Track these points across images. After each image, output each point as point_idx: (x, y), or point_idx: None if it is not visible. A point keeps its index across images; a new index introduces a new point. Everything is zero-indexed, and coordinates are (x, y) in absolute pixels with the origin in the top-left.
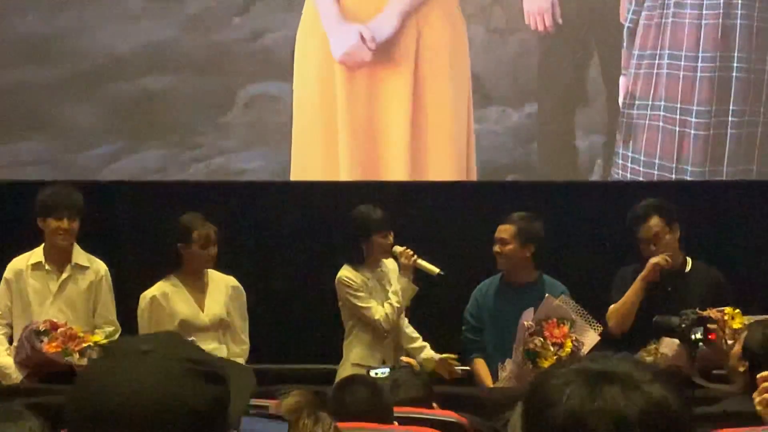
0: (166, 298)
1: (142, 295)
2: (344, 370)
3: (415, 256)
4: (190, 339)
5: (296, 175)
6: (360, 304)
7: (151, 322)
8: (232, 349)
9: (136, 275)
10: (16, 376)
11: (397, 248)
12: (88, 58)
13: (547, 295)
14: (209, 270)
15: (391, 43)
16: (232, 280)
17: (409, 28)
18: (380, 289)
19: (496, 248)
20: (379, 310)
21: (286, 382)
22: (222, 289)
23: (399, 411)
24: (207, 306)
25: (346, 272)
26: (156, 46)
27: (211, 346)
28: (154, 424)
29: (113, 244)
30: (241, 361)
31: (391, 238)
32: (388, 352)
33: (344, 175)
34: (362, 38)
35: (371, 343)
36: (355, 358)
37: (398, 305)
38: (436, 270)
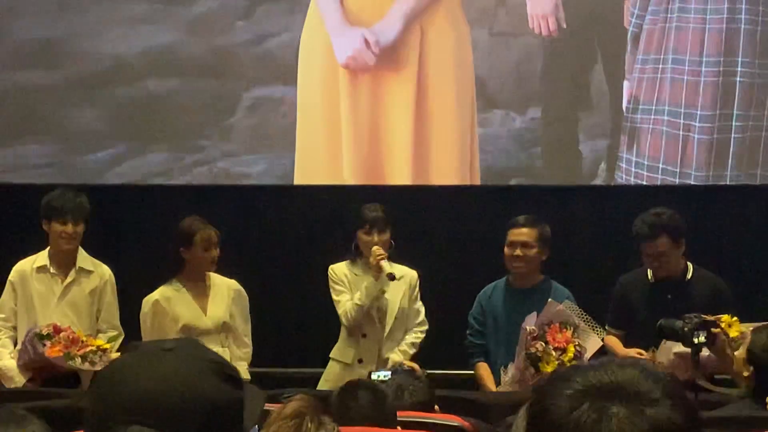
0: (169, 302)
1: (144, 299)
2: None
3: (381, 256)
4: None
5: (300, 178)
6: (334, 296)
7: (153, 326)
8: (235, 352)
9: (139, 279)
10: (19, 379)
11: (374, 247)
12: (93, 62)
13: (549, 299)
14: (211, 273)
15: (394, 47)
16: (234, 284)
17: (413, 32)
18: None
19: (518, 252)
20: (343, 305)
21: (289, 385)
22: (224, 292)
23: (402, 415)
24: (210, 309)
25: (336, 264)
26: (160, 50)
27: (214, 349)
28: (177, 418)
29: (116, 248)
30: (245, 364)
31: (376, 236)
32: (368, 351)
33: (348, 178)
34: (366, 42)
35: (346, 338)
36: (334, 352)
37: (359, 303)
38: (388, 270)
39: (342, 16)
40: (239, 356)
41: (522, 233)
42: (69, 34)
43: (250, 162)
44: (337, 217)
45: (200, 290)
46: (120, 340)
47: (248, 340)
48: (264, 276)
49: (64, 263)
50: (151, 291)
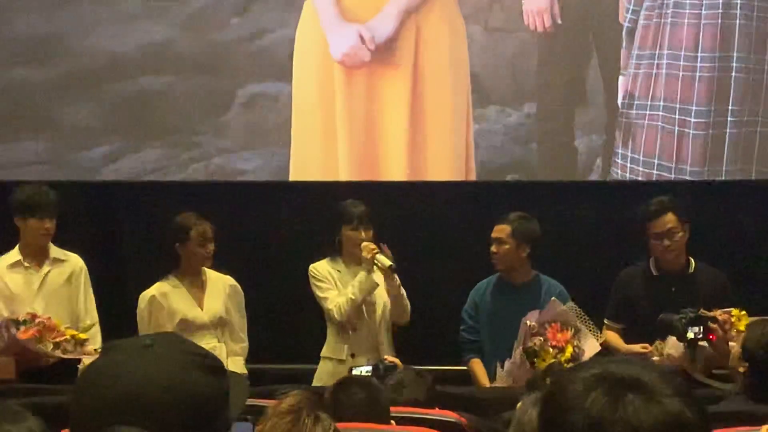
0: (165, 297)
1: (141, 295)
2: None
3: (376, 251)
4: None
5: (295, 175)
6: (319, 294)
7: (150, 322)
8: (231, 347)
9: (135, 275)
10: (12, 368)
11: (364, 243)
12: (88, 58)
13: (552, 298)
14: (207, 270)
15: (390, 43)
16: (230, 280)
17: (408, 28)
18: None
19: (493, 248)
20: (333, 301)
21: (285, 381)
22: (220, 288)
23: (397, 411)
24: (206, 304)
25: (317, 263)
26: (155, 46)
27: (210, 344)
28: (163, 414)
29: (112, 244)
30: (241, 359)
31: (363, 233)
32: (360, 345)
33: (343, 175)
34: (361, 38)
35: (337, 335)
36: (325, 351)
37: (353, 297)
38: (388, 263)
39: (337, 12)
40: (235, 351)
41: (495, 230)
42: (64, 31)
43: (245, 158)
44: (332, 214)
45: (196, 285)
46: (93, 328)
47: (244, 336)
48: (259, 272)
49: (37, 256)
50: (148, 287)
